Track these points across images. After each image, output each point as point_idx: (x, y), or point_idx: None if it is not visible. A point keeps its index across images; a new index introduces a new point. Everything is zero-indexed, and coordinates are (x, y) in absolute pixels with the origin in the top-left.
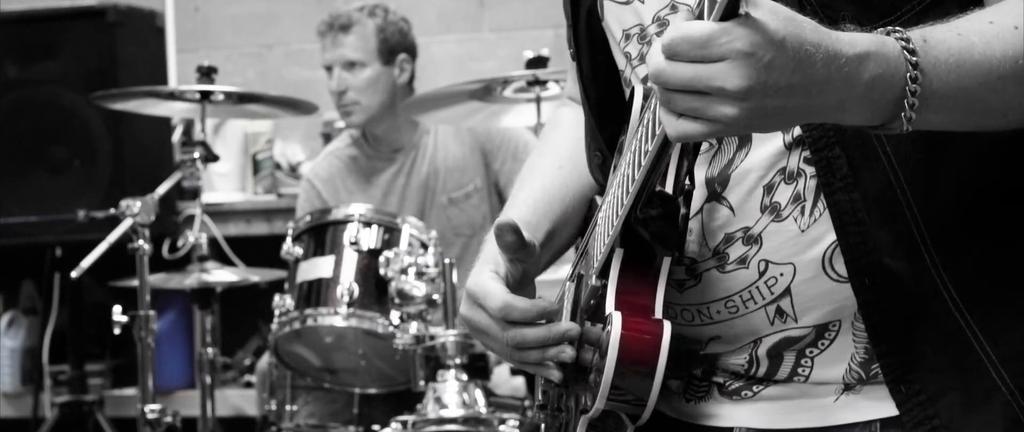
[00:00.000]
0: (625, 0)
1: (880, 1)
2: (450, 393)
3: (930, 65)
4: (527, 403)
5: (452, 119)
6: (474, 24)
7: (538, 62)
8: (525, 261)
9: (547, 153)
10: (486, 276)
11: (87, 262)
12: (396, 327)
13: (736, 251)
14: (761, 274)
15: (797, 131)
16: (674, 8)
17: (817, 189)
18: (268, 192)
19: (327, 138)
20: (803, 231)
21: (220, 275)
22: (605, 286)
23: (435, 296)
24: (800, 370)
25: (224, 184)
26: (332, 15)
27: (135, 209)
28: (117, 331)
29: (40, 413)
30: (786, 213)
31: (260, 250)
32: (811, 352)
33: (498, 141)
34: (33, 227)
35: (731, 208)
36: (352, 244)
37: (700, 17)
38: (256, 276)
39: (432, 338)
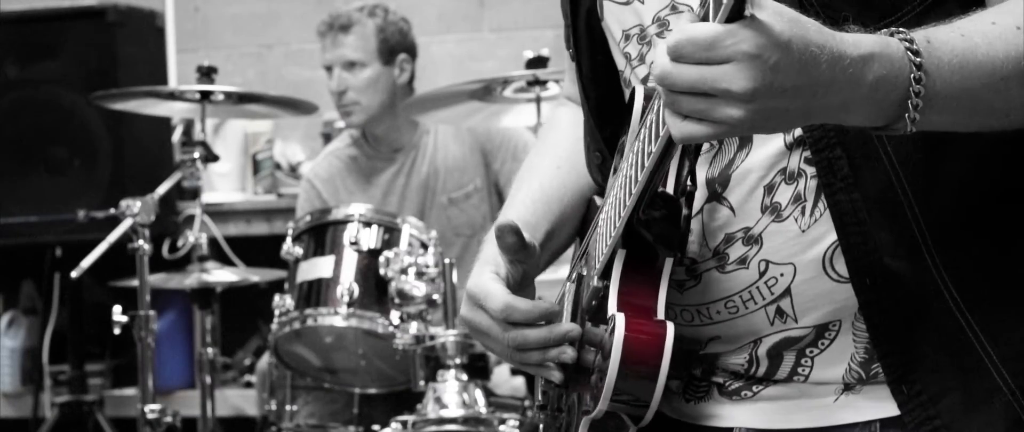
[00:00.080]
0: (625, 0)
1: (881, 1)
2: (450, 393)
3: (934, 66)
4: (527, 403)
5: (452, 119)
6: (474, 24)
7: (538, 62)
8: (525, 262)
9: (545, 153)
10: (487, 277)
11: (87, 262)
12: (396, 327)
13: (736, 251)
14: (761, 274)
15: (798, 131)
16: (674, 8)
17: (817, 189)
18: (268, 192)
19: (327, 138)
20: (803, 231)
21: (220, 275)
22: (607, 287)
23: (435, 296)
24: (800, 370)
25: (224, 184)
26: (332, 15)
27: (135, 209)
28: (117, 331)
29: (40, 413)
30: (786, 213)
31: (260, 250)
32: (811, 352)
33: (498, 141)
34: (33, 227)
35: (731, 208)
36: (352, 244)
37: (705, 19)
38: (256, 276)
39: (432, 338)
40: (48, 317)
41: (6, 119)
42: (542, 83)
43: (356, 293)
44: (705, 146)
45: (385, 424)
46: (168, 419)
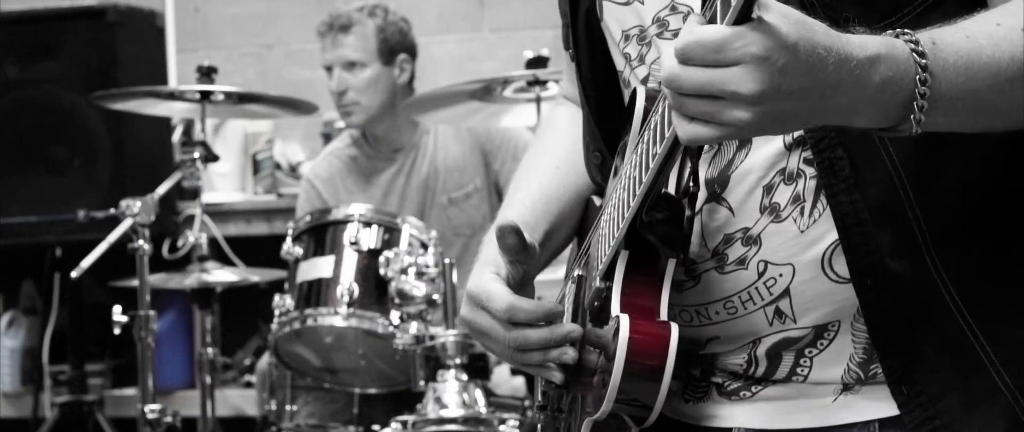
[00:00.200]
0: (625, 1)
1: (883, 1)
2: (450, 393)
3: (939, 67)
4: (527, 403)
5: (452, 119)
6: (474, 24)
7: (538, 62)
8: (526, 263)
9: (544, 153)
10: (487, 278)
11: (87, 262)
12: (396, 327)
13: (735, 252)
14: (760, 275)
15: (798, 132)
16: (674, 9)
17: (817, 189)
18: (268, 192)
19: (327, 138)
20: (802, 232)
21: (220, 275)
22: (610, 288)
23: (435, 296)
24: (799, 370)
25: (224, 184)
26: (332, 15)
27: (135, 209)
28: (117, 331)
29: (40, 413)
30: (785, 214)
31: (260, 250)
32: (810, 352)
33: (498, 141)
34: (33, 227)
35: (730, 209)
36: (352, 244)
37: (712, 21)
38: (256, 276)
39: (432, 338)
40: (48, 317)
41: (6, 119)
42: (542, 83)
43: (356, 293)
44: (706, 146)
45: (385, 424)
46: (168, 419)
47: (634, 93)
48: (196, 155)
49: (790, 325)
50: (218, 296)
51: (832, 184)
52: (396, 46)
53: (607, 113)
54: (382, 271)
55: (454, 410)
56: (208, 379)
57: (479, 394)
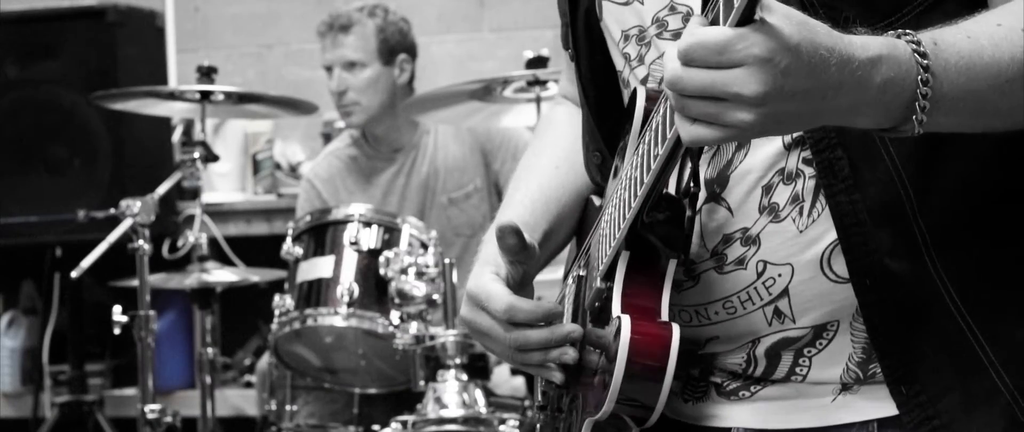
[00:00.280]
0: (624, 1)
1: (883, 1)
2: (450, 393)
3: (941, 68)
4: (527, 403)
5: (452, 119)
6: (474, 24)
7: (538, 62)
8: (526, 263)
9: (543, 152)
10: (487, 278)
11: (87, 262)
12: (396, 327)
13: (734, 252)
14: (759, 275)
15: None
16: (673, 9)
17: (816, 189)
18: (268, 192)
19: (327, 138)
20: (801, 232)
21: (220, 275)
22: (610, 289)
23: (435, 296)
24: (798, 369)
25: (224, 184)
26: (332, 15)
27: (135, 209)
28: (117, 331)
29: (40, 413)
30: (784, 214)
31: (260, 250)
32: (809, 352)
33: (498, 141)
34: (33, 227)
35: (729, 209)
36: (352, 244)
37: (714, 22)
38: (256, 276)
39: (432, 338)
40: (48, 317)
41: (6, 119)
42: (542, 83)
43: (356, 293)
44: (706, 147)
45: (385, 424)
46: (168, 419)
47: (634, 93)
48: (196, 155)
49: (789, 325)
50: (218, 296)
51: (831, 184)
52: (396, 46)
53: (607, 113)
54: (382, 271)
55: (454, 410)
56: (208, 379)
57: (479, 394)
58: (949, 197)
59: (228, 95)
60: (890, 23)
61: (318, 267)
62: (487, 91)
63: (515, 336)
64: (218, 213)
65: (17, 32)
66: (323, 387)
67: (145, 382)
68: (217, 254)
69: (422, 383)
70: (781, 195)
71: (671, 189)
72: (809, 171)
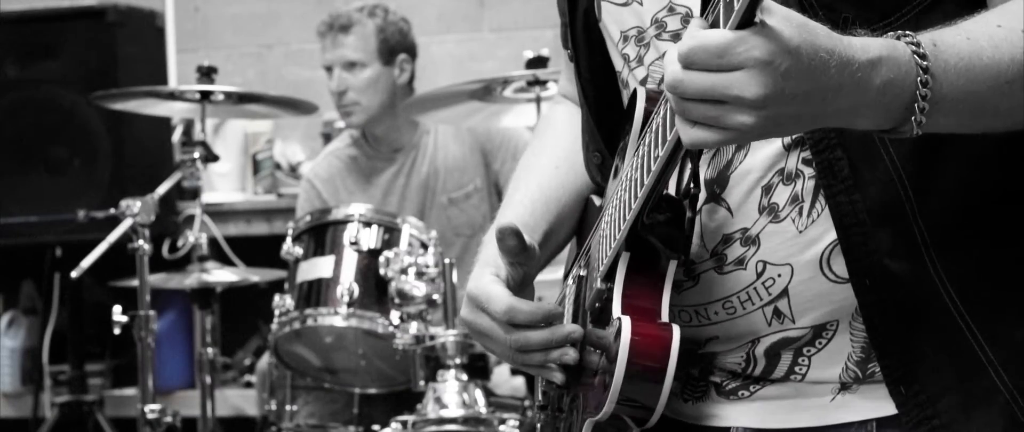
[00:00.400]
0: (624, 1)
1: (882, 2)
2: (450, 393)
3: (941, 70)
4: (527, 403)
5: (452, 119)
6: (474, 24)
7: (538, 62)
8: (526, 264)
9: (543, 152)
10: (487, 279)
11: (87, 262)
12: (396, 327)
13: (734, 252)
14: (759, 275)
15: None
16: (672, 10)
17: (815, 190)
18: (268, 192)
19: (327, 138)
20: (801, 232)
21: (220, 275)
22: (611, 290)
23: (435, 296)
24: (797, 369)
25: (224, 184)
26: (332, 15)
27: (135, 209)
28: (117, 331)
29: (40, 413)
30: (784, 214)
31: (260, 250)
32: (808, 351)
33: (498, 141)
34: (33, 227)
35: (729, 209)
36: (352, 244)
37: (714, 25)
38: (256, 276)
39: (432, 338)
40: (48, 317)
41: (6, 119)
42: (542, 83)
43: (356, 293)
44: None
45: (385, 424)
46: (168, 419)
47: (634, 94)
48: (196, 155)
49: (789, 325)
50: (218, 296)
51: (831, 185)
52: (396, 46)
53: (606, 113)
54: (382, 271)
55: (454, 410)
56: (208, 379)
57: (479, 394)
58: (949, 197)
59: (228, 95)
60: (889, 23)
61: (318, 267)
62: (487, 91)
63: (516, 337)
64: (218, 213)
65: (17, 32)
66: (323, 387)
67: (145, 382)
68: (217, 254)
69: (422, 383)
70: (781, 195)
71: (671, 190)
72: (809, 171)
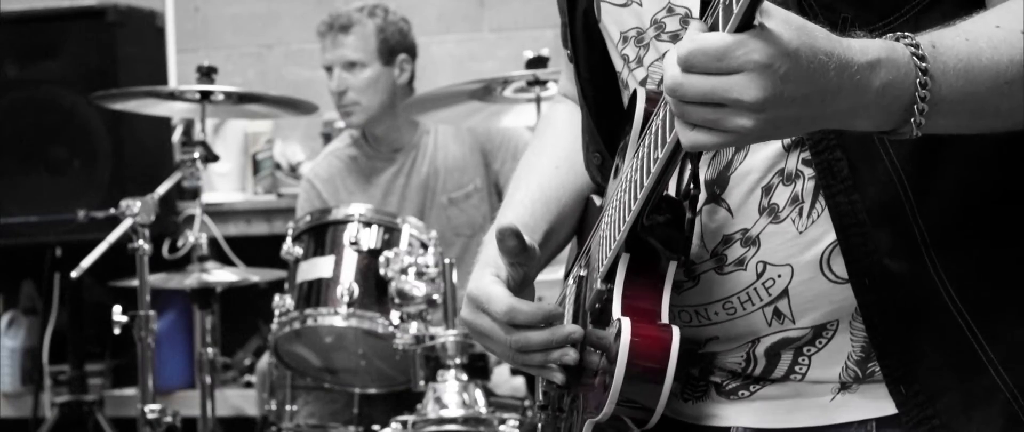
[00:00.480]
0: (623, 2)
1: (880, 2)
2: (450, 393)
3: (940, 71)
4: (527, 403)
5: (452, 119)
6: (474, 24)
7: (538, 62)
8: (526, 264)
9: (543, 152)
10: (487, 280)
11: (87, 262)
12: (396, 327)
13: (734, 253)
14: (759, 276)
15: None
16: (671, 11)
17: (815, 190)
18: (268, 192)
19: (327, 138)
20: (801, 232)
21: (220, 275)
22: (611, 290)
23: (435, 296)
24: (797, 368)
25: (224, 184)
26: (332, 15)
27: (135, 209)
28: (117, 331)
29: (40, 413)
30: (784, 215)
31: (260, 250)
32: (808, 350)
33: (498, 141)
34: (33, 227)
35: (729, 210)
36: (352, 244)
37: (713, 28)
38: (256, 276)
39: (432, 338)
40: (48, 317)
41: (6, 119)
42: (542, 83)
43: (356, 293)
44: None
45: (385, 424)
46: (168, 419)
47: (634, 95)
48: (196, 155)
49: (789, 325)
50: (218, 296)
51: (830, 185)
52: (396, 46)
53: (606, 113)
54: (382, 271)
55: (454, 410)
56: (208, 379)
57: (479, 394)
58: (948, 197)
59: (228, 95)
60: (888, 23)
61: (318, 267)
62: (487, 91)
63: (516, 338)
64: (218, 213)
65: (17, 32)
66: (323, 387)
67: (145, 382)
68: (217, 254)
69: (422, 383)
70: (781, 196)
71: (671, 191)
72: (808, 172)
